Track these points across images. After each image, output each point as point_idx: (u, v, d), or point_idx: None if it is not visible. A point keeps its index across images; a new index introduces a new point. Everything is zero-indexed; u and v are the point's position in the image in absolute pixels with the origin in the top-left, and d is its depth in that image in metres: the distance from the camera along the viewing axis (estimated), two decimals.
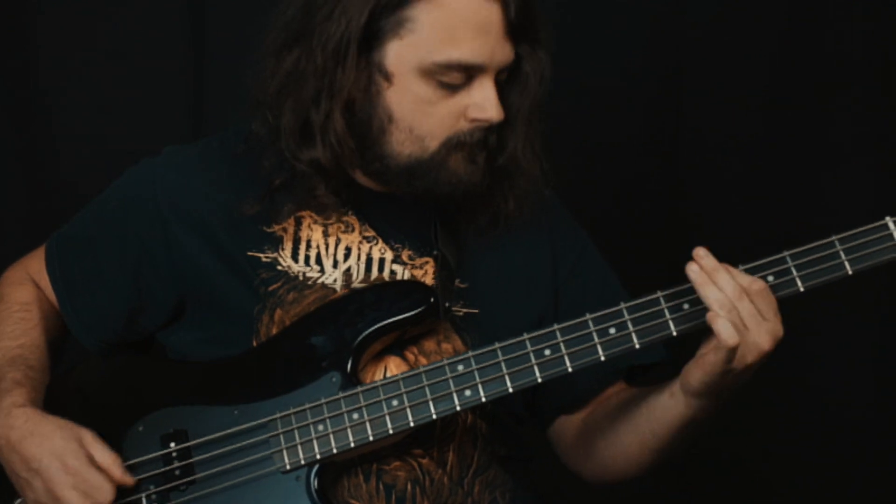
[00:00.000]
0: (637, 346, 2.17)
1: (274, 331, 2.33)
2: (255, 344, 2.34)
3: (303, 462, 2.23)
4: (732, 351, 2.09)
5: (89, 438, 2.25)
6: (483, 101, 2.26)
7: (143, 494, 2.27)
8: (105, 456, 2.24)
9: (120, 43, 3.39)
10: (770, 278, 2.15)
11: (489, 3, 2.23)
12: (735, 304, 2.10)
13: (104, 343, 2.47)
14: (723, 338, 2.08)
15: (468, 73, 2.25)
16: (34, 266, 2.51)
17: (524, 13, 2.27)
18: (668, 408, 2.23)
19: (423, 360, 2.31)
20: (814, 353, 3.49)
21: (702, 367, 2.14)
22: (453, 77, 2.25)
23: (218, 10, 3.40)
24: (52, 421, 2.28)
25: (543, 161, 2.39)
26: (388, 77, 2.26)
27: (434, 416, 2.21)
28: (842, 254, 2.14)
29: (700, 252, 2.14)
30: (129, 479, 2.25)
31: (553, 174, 2.42)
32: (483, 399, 2.20)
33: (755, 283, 2.12)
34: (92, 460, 2.23)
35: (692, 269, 2.13)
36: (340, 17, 2.24)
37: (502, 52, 2.27)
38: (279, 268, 2.35)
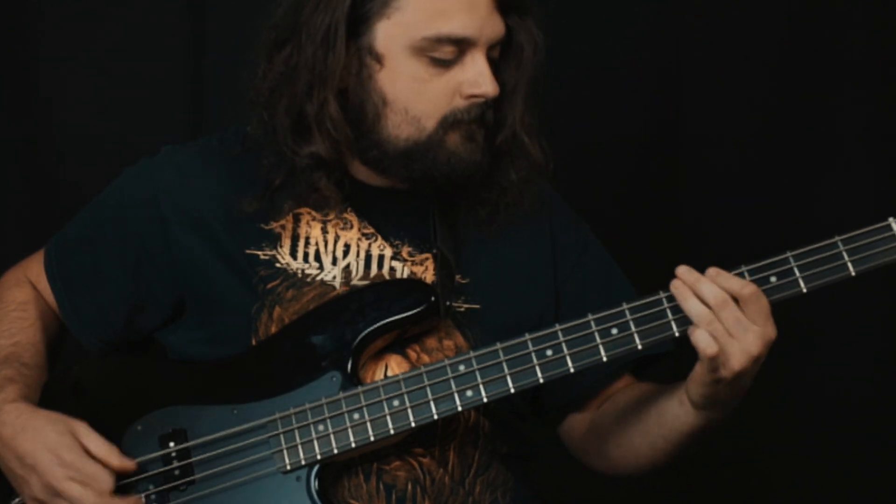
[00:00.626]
0: (639, 347, 2.17)
1: (273, 329, 2.33)
2: (254, 342, 2.33)
3: (303, 462, 2.22)
4: (714, 360, 2.09)
5: (82, 430, 2.24)
6: (476, 76, 2.26)
7: (143, 494, 2.26)
8: (99, 446, 2.23)
9: (120, 43, 3.38)
10: (773, 279, 2.15)
11: None
12: (718, 314, 2.10)
13: (103, 342, 2.46)
14: (700, 348, 2.09)
15: (459, 47, 2.25)
16: (33, 269, 2.50)
17: None
18: (677, 416, 2.23)
19: (424, 358, 2.31)
20: (814, 353, 3.49)
21: (694, 380, 2.15)
22: (444, 52, 2.24)
23: (218, 10, 3.40)
24: (43, 415, 2.27)
25: (543, 140, 2.38)
26: (378, 59, 2.26)
27: (435, 417, 2.20)
28: (845, 254, 2.14)
29: (681, 269, 2.14)
30: (128, 464, 2.24)
31: (552, 154, 2.41)
32: (484, 399, 2.20)
33: (746, 288, 2.11)
34: (87, 451, 2.23)
35: (673, 285, 2.14)
36: (326, 6, 2.25)
37: (492, 25, 2.26)
38: (278, 265, 2.35)
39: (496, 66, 2.31)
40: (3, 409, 2.28)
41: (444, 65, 2.25)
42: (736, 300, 2.11)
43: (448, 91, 2.27)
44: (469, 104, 2.27)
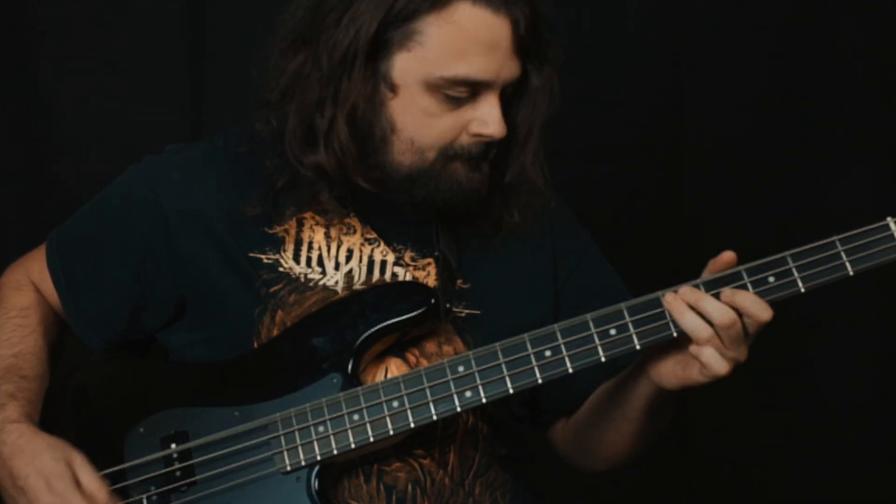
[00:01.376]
0: (638, 347, 2.17)
1: (275, 332, 2.33)
2: (256, 345, 2.33)
3: (303, 463, 2.23)
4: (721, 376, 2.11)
5: (79, 461, 2.24)
6: (486, 117, 2.26)
7: (144, 495, 2.26)
8: (92, 481, 2.22)
9: (120, 43, 3.39)
10: (771, 279, 2.14)
11: (499, 20, 2.23)
12: (723, 331, 2.09)
13: (106, 342, 2.46)
14: (714, 369, 2.10)
15: (474, 88, 2.25)
16: (35, 267, 2.50)
17: (533, 30, 2.27)
18: (634, 391, 2.25)
19: (424, 362, 2.31)
20: (814, 353, 3.49)
21: (680, 380, 2.16)
22: (459, 91, 2.25)
23: (218, 10, 3.40)
24: (44, 439, 2.27)
25: (548, 173, 2.39)
26: (393, 88, 2.27)
27: (434, 417, 2.21)
28: (843, 254, 2.13)
29: (684, 288, 2.14)
30: None
31: (555, 185, 2.42)
32: (483, 400, 2.20)
33: (765, 313, 2.10)
34: (78, 484, 2.22)
35: (666, 300, 2.14)
36: (349, 25, 2.24)
37: (509, 69, 2.27)
38: (281, 269, 2.35)
39: (508, 101, 2.31)
40: (6, 429, 2.28)
41: (457, 102, 2.26)
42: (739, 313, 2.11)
43: (456, 127, 2.27)
44: (473, 141, 2.28)
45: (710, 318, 2.10)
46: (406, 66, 2.25)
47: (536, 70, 2.32)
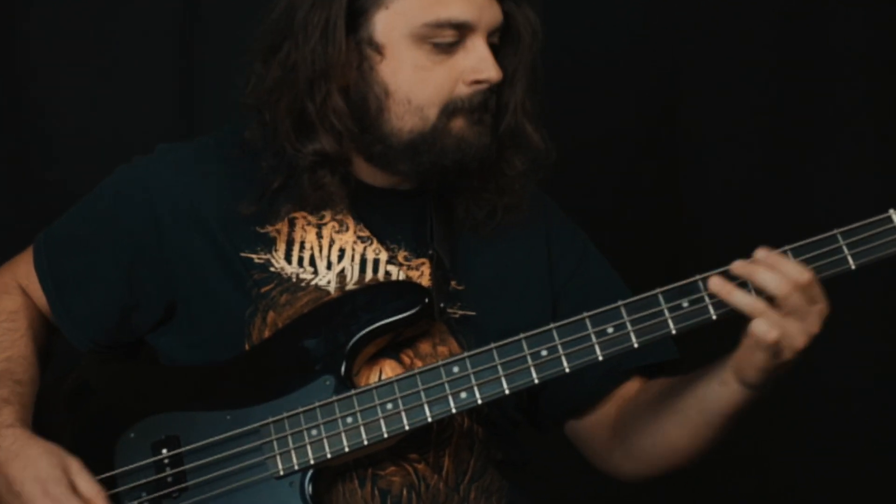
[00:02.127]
0: (636, 346, 2.14)
1: (266, 334, 2.31)
2: (247, 347, 2.31)
3: (296, 467, 2.21)
4: (776, 344, 2.06)
5: (75, 467, 2.23)
6: (478, 62, 2.25)
7: (135, 502, 2.25)
8: (89, 487, 2.21)
9: (113, 43, 3.39)
10: None
11: None
12: (784, 301, 2.06)
13: (96, 343, 2.44)
14: (759, 334, 2.06)
15: (460, 31, 2.24)
16: (22, 270, 2.47)
17: None
18: (720, 396, 2.18)
19: (418, 363, 2.29)
20: (814, 351, 3.47)
21: (754, 365, 2.11)
22: (445, 36, 2.24)
23: (212, 12, 3.41)
24: (39, 445, 2.25)
25: (544, 130, 2.38)
26: (379, 50, 2.26)
27: (429, 419, 2.18)
28: (845, 248, 2.11)
29: (737, 263, 2.11)
30: None
31: (553, 145, 2.39)
32: (479, 401, 2.18)
33: (804, 274, 2.07)
34: (75, 490, 2.21)
35: (713, 283, 2.09)
36: (321, 4, 2.25)
37: (490, 10, 2.27)
38: (272, 269, 2.33)
39: (496, 51, 2.30)
40: (1, 434, 2.26)
41: (446, 51, 2.25)
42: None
43: (451, 78, 2.26)
44: (472, 91, 2.26)
45: (767, 289, 2.06)
46: (387, 23, 2.24)
47: (516, 12, 2.32)
